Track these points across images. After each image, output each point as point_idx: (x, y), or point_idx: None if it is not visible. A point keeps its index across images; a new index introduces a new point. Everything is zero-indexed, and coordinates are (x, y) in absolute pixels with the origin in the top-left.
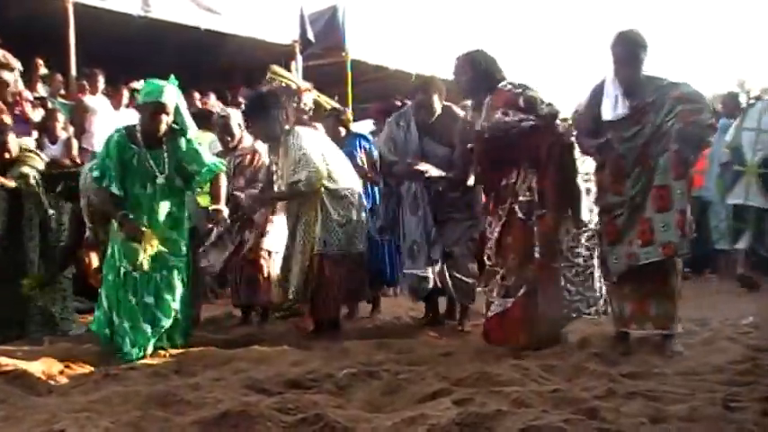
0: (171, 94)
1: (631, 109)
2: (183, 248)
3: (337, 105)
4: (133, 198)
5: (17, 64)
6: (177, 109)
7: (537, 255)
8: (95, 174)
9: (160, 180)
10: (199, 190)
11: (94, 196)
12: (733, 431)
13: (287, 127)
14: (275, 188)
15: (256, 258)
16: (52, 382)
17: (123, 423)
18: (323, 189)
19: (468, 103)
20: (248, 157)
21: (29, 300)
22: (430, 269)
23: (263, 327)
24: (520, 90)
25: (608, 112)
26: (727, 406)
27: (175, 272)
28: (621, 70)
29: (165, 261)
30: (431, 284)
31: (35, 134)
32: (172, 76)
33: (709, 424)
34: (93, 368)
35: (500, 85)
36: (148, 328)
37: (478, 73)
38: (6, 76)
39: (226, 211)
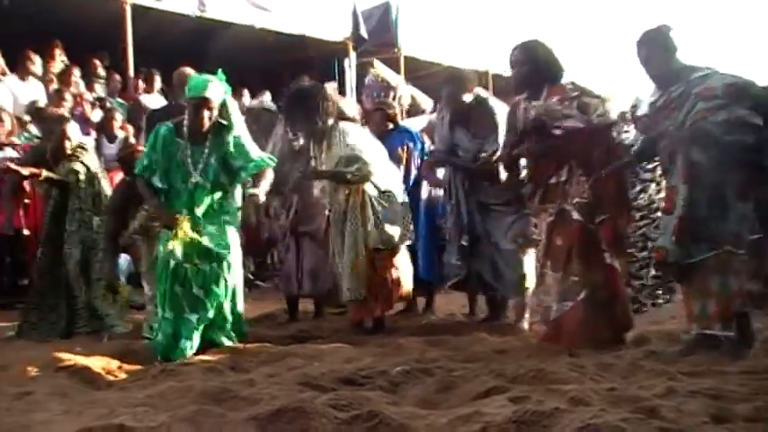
0: (216, 89)
1: (652, 106)
2: (229, 243)
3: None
4: (175, 191)
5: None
6: (224, 104)
7: (607, 260)
8: (143, 163)
9: (194, 178)
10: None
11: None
12: None
13: (330, 122)
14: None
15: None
16: (111, 377)
17: (179, 418)
18: (369, 185)
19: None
20: None
21: (73, 296)
22: (457, 257)
23: (318, 322)
24: (577, 93)
25: (644, 107)
26: None
27: (225, 265)
28: (645, 69)
29: (211, 254)
30: (460, 273)
31: (94, 134)
32: (219, 71)
33: None
34: (150, 364)
35: (560, 82)
36: (194, 318)
37: (535, 63)
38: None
39: (262, 197)
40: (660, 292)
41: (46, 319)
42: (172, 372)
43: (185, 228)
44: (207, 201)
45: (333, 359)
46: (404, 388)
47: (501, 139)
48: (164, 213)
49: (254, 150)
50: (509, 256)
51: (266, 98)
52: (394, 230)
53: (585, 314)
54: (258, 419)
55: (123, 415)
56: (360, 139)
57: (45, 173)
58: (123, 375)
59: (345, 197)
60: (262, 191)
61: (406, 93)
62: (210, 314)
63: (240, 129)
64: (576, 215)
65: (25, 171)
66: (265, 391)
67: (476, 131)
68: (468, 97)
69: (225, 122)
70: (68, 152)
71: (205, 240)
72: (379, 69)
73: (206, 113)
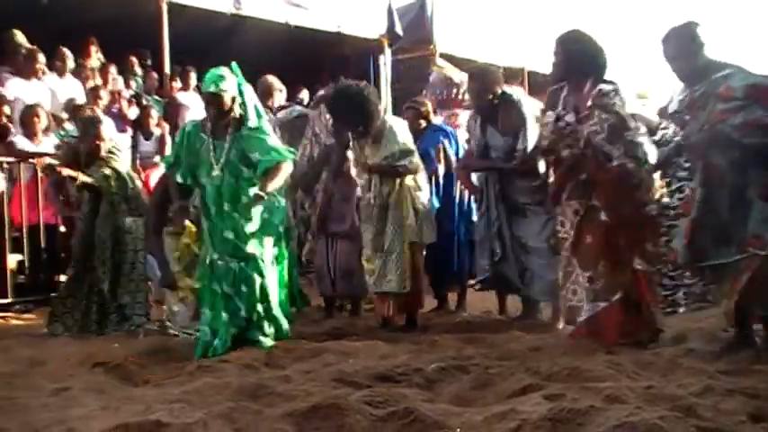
0: (227, 83)
1: (681, 103)
2: (259, 241)
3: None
4: (202, 187)
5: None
6: (239, 97)
7: (635, 263)
8: (170, 159)
9: (215, 172)
10: None
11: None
12: None
13: (380, 120)
14: (358, 180)
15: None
16: (148, 374)
17: (216, 414)
18: (411, 180)
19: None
20: None
21: (103, 296)
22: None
23: (353, 319)
24: (615, 110)
25: (674, 104)
26: None
27: (252, 263)
28: (672, 66)
29: (239, 252)
30: (488, 273)
31: (130, 131)
32: (233, 64)
33: None
34: (185, 360)
35: (602, 85)
36: (225, 317)
37: (568, 55)
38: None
39: (264, 197)
40: (697, 292)
41: (71, 314)
42: (208, 368)
43: (189, 239)
44: (236, 195)
45: (368, 356)
46: (439, 385)
47: (530, 134)
48: (177, 217)
49: (272, 142)
50: (540, 255)
51: (296, 107)
52: (429, 226)
53: (623, 313)
54: (294, 416)
55: (160, 411)
56: (408, 135)
57: (81, 177)
58: (160, 372)
59: (389, 191)
60: (271, 187)
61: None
62: (243, 313)
63: (257, 121)
64: (602, 215)
65: (65, 172)
66: (301, 388)
67: (504, 129)
68: (488, 92)
69: (241, 115)
70: (102, 155)
71: (230, 235)
72: (444, 67)
73: (215, 107)
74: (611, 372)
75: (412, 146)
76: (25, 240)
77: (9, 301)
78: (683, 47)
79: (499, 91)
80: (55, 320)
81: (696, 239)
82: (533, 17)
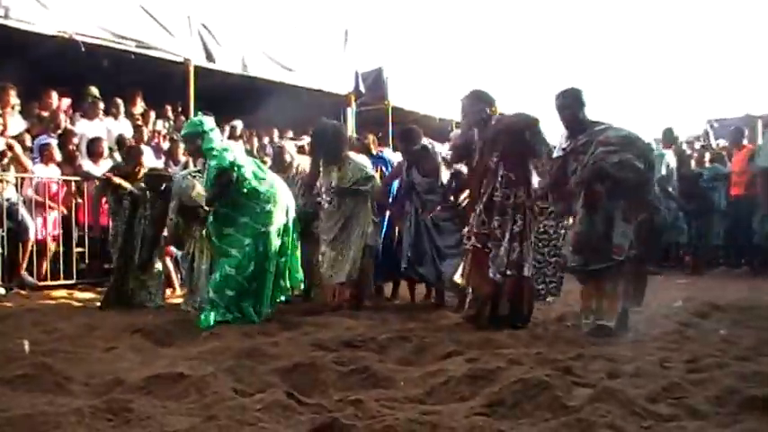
0: (188, 127)
1: (566, 149)
2: (240, 240)
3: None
4: None
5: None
6: (201, 136)
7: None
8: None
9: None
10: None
11: (186, 199)
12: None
13: (345, 152)
14: (324, 195)
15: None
16: (173, 338)
17: (223, 369)
18: (369, 197)
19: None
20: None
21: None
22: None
23: (308, 302)
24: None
25: (558, 150)
26: (663, 366)
27: (224, 260)
28: (561, 117)
29: (221, 251)
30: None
31: (163, 158)
32: (199, 112)
33: (652, 378)
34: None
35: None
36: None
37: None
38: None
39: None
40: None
41: (115, 293)
42: (217, 335)
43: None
44: (217, 210)
45: (336, 328)
46: (388, 350)
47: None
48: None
49: (216, 162)
50: (450, 256)
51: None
52: (377, 234)
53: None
54: (281, 371)
55: (182, 366)
56: (368, 164)
57: (128, 185)
58: (182, 336)
59: (353, 205)
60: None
61: None
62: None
63: (211, 150)
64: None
65: (116, 180)
66: (286, 350)
67: (425, 171)
68: (416, 147)
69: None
70: (140, 176)
71: (216, 241)
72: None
73: (185, 147)
74: (511, 341)
75: (372, 172)
76: (86, 237)
77: (74, 281)
78: (572, 103)
79: (420, 144)
80: (106, 297)
81: (579, 248)
82: (463, 80)
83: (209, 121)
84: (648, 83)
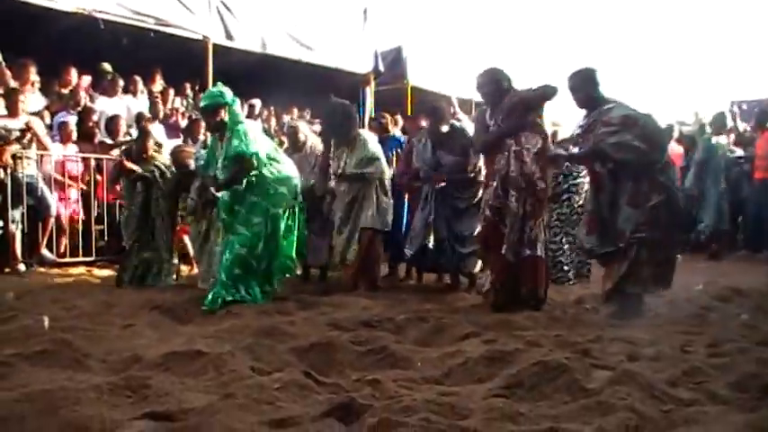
0: (208, 98)
1: (581, 128)
2: (250, 219)
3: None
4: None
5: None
6: (226, 108)
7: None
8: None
9: (212, 170)
10: None
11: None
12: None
13: (359, 130)
14: (333, 174)
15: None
16: (190, 315)
17: (241, 347)
18: (379, 179)
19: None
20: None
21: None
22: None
23: (323, 283)
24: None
25: (576, 129)
26: (684, 350)
27: (235, 238)
28: (573, 97)
29: (231, 228)
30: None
31: (182, 136)
32: (219, 83)
33: (672, 362)
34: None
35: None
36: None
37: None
38: None
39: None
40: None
41: (129, 270)
42: (234, 314)
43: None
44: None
45: (353, 307)
46: (406, 330)
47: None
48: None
49: (238, 142)
50: (469, 242)
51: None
52: (388, 217)
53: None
54: (298, 350)
55: (199, 343)
56: (376, 145)
57: (138, 170)
58: (199, 314)
59: (359, 188)
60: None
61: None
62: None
63: (236, 126)
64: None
65: (129, 165)
66: (303, 330)
67: (452, 151)
68: (445, 127)
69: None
70: (150, 152)
71: (226, 218)
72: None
73: (205, 121)
74: (530, 323)
75: (380, 154)
76: (105, 215)
77: (93, 258)
78: (583, 84)
79: (449, 124)
80: (122, 274)
81: (593, 229)
82: (483, 59)
83: (229, 92)
84: (672, 63)
